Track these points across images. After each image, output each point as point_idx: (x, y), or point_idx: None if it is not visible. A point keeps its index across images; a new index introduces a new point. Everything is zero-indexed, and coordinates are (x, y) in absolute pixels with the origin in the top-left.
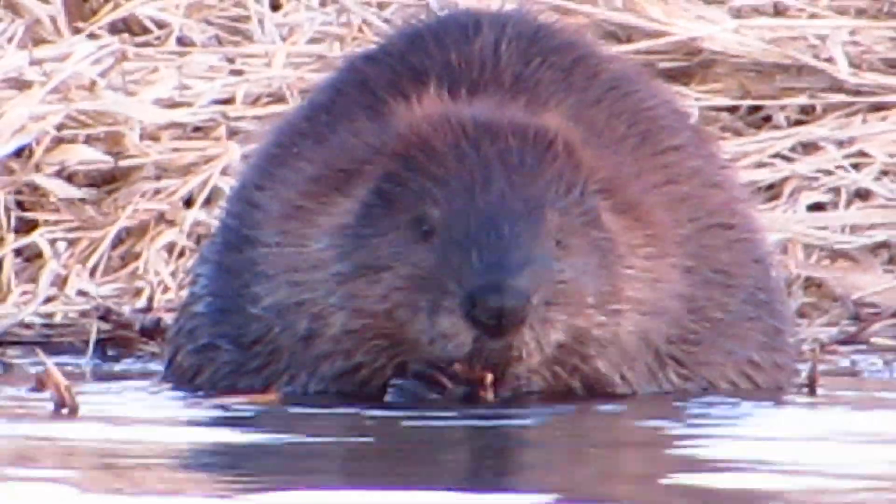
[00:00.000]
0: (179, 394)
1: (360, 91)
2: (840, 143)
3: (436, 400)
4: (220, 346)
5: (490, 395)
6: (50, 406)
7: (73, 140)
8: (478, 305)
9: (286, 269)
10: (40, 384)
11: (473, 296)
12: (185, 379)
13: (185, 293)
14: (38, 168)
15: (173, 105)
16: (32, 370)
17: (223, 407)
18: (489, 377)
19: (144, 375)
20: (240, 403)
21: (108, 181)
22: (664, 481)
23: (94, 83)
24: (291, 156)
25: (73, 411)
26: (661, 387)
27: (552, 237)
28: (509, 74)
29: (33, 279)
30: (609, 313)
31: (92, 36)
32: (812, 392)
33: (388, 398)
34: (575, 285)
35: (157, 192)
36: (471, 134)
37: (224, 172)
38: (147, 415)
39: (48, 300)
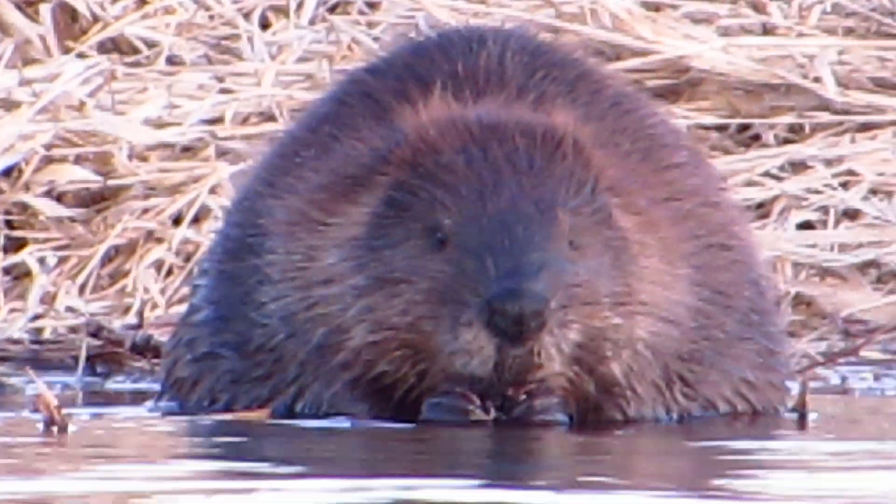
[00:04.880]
0: (171, 414)
1: (364, 101)
2: (829, 162)
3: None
4: (221, 354)
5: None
6: (40, 425)
7: (62, 159)
8: (497, 313)
9: (294, 276)
10: (36, 406)
11: (492, 304)
12: (182, 391)
13: (174, 311)
14: (27, 187)
15: (162, 124)
16: (23, 387)
17: (213, 427)
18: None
19: (135, 392)
20: (228, 421)
21: (97, 200)
22: None
23: (83, 103)
24: (295, 165)
25: (63, 430)
26: (668, 407)
27: (565, 238)
28: (514, 85)
29: (22, 297)
30: (624, 315)
31: (81, 55)
32: (803, 415)
33: (424, 414)
34: (590, 287)
35: (146, 210)
36: (478, 136)
37: (212, 191)
38: (137, 439)
39: (37, 317)
